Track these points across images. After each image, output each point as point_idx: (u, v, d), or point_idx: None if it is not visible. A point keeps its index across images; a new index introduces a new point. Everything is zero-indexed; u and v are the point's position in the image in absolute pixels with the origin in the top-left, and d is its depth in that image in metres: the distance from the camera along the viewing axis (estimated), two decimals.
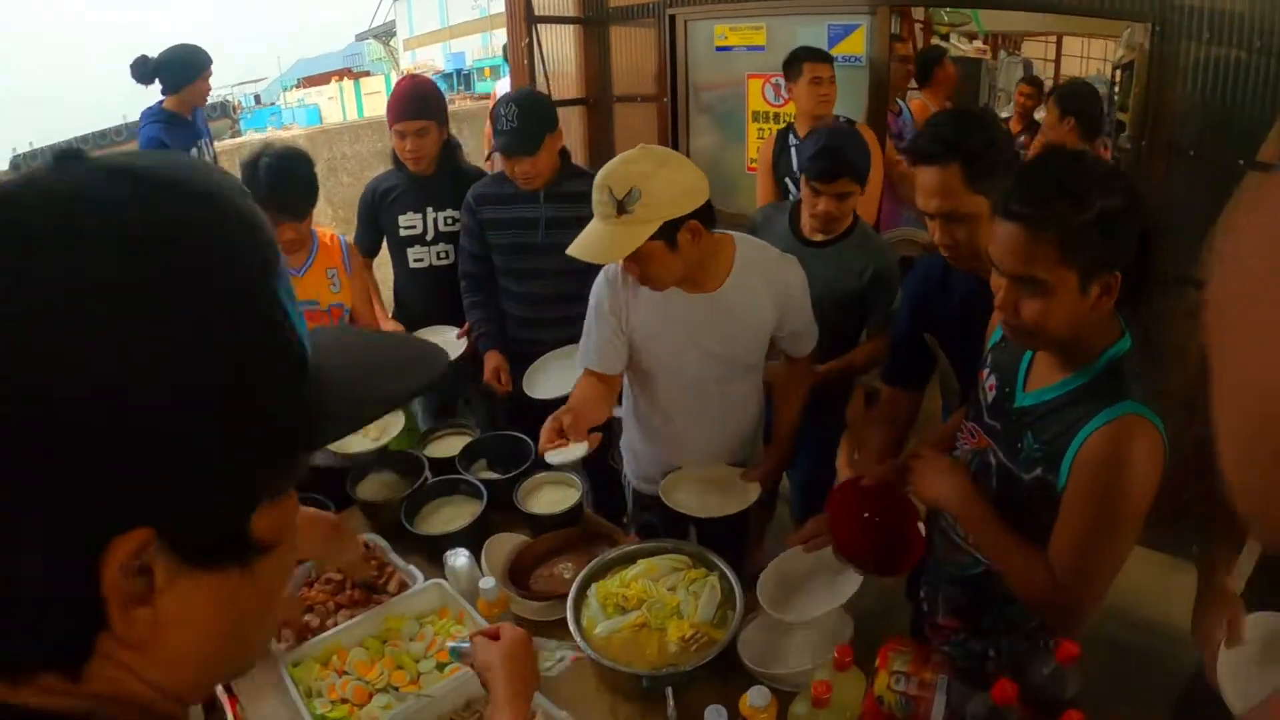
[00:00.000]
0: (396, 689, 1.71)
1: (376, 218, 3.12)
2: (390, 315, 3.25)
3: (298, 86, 33.20)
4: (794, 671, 1.58)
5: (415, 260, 3.08)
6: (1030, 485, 1.49)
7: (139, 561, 0.47)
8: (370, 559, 2.02)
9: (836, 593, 1.72)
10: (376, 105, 28.95)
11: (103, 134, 23.16)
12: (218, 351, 0.49)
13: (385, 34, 39.16)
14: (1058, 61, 6.29)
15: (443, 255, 3.07)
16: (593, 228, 1.89)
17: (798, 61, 3.45)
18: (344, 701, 1.68)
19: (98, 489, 0.45)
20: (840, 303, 2.47)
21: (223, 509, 0.51)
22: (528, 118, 2.58)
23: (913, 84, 4.87)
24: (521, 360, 2.77)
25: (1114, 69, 5.00)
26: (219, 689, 1.44)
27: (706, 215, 1.90)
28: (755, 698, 1.43)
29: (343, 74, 32.37)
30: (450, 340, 2.91)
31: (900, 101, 4.65)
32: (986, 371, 1.67)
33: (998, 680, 1.29)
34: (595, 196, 1.86)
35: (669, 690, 1.56)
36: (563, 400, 2.08)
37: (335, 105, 28.68)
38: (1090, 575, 1.44)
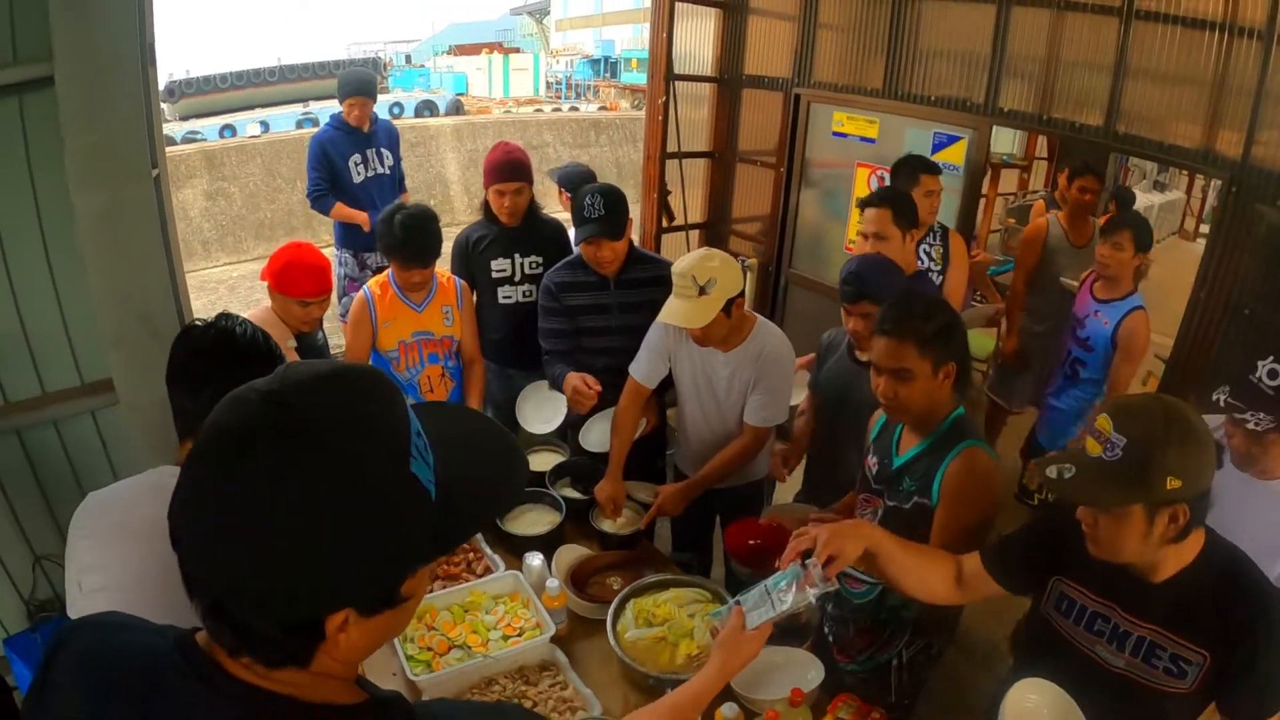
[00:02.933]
0: (469, 648, 2.23)
1: (468, 263, 3.57)
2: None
3: (448, 53, 34.21)
4: (763, 699, 2.03)
5: (504, 298, 3.58)
6: (911, 511, 2.18)
7: (343, 621, 0.82)
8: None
9: (797, 681, 2.08)
10: (522, 84, 29.88)
11: (257, 72, 24.61)
12: (386, 520, 0.80)
13: (539, 11, 39.75)
14: None
15: (527, 294, 3.55)
16: (679, 303, 2.63)
17: (913, 172, 3.62)
18: (429, 649, 2.22)
19: (330, 601, 0.80)
20: None
21: (385, 592, 0.85)
22: (613, 207, 2.98)
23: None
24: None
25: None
26: None
27: (741, 294, 2.70)
28: (727, 711, 1.93)
29: (493, 47, 33.20)
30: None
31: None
32: (868, 455, 2.39)
33: None
34: (679, 282, 2.62)
35: (669, 690, 2.05)
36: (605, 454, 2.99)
37: (482, 77, 29.56)
38: (958, 546, 2.02)
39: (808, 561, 1.78)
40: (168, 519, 0.81)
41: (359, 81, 4.94)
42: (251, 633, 0.80)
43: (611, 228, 2.99)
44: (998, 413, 4.67)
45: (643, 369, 2.97)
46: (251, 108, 22.38)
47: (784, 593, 1.77)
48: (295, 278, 2.92)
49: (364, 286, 3.29)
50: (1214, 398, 2.21)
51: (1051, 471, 1.60)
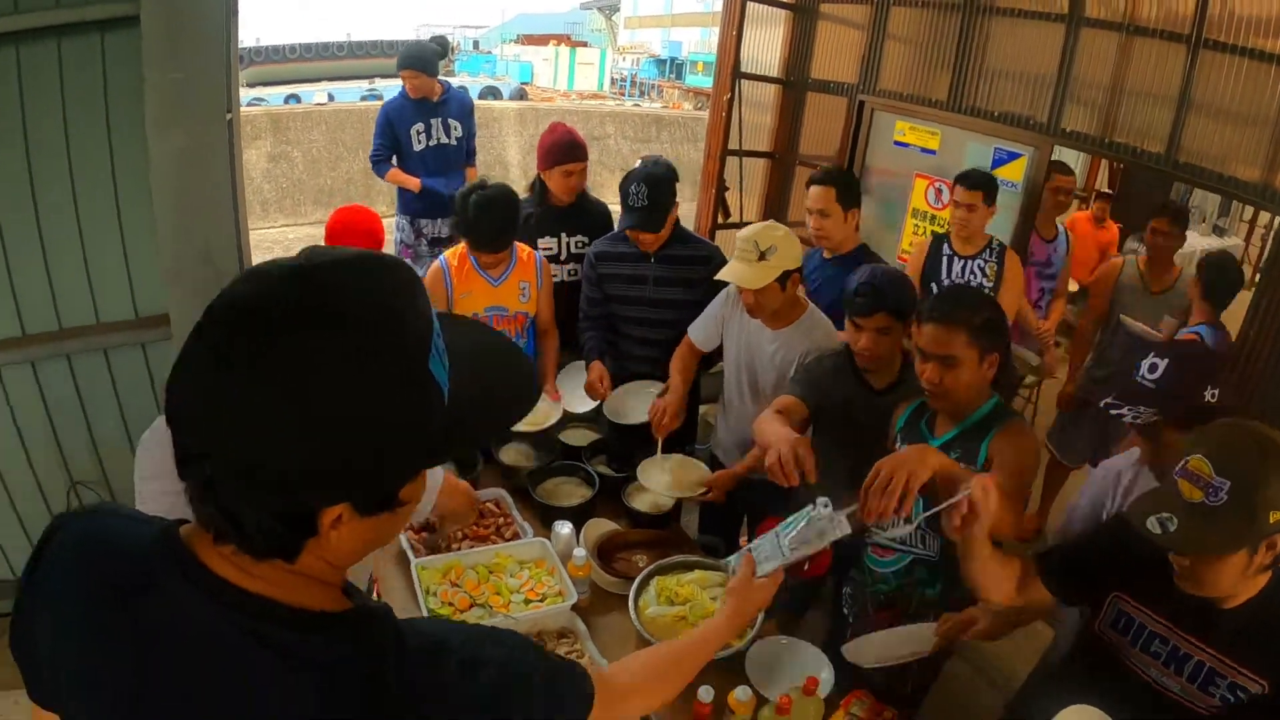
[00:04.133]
0: (490, 607, 2.25)
1: None
2: None
3: (516, 41, 34.44)
4: (776, 691, 2.02)
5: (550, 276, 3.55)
6: None
7: (337, 516, 0.80)
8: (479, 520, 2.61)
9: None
10: (587, 78, 29.97)
11: (325, 45, 24.92)
12: (397, 415, 0.77)
13: (609, 7, 39.85)
14: None
15: (572, 273, 3.56)
16: (738, 265, 2.69)
17: (990, 191, 3.70)
18: (450, 605, 2.25)
19: (329, 492, 0.78)
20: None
21: (385, 492, 0.83)
22: (656, 197, 3.02)
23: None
24: (616, 379, 3.25)
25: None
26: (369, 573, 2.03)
27: (801, 271, 2.77)
28: (740, 694, 1.93)
29: (561, 39, 33.33)
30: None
31: (1060, 226, 4.53)
32: (895, 444, 2.38)
33: None
34: (741, 246, 2.68)
35: None
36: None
37: (548, 68, 29.70)
38: (1017, 491, 2.06)
39: (818, 501, 1.77)
40: (165, 390, 0.77)
41: (412, 56, 5.01)
42: (241, 519, 0.77)
43: (651, 220, 3.07)
44: (1056, 468, 4.36)
45: (699, 332, 3.09)
46: (318, 80, 22.63)
47: (791, 536, 1.77)
48: (345, 240, 2.97)
49: (440, 257, 3.24)
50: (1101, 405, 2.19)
51: (1153, 525, 1.52)
